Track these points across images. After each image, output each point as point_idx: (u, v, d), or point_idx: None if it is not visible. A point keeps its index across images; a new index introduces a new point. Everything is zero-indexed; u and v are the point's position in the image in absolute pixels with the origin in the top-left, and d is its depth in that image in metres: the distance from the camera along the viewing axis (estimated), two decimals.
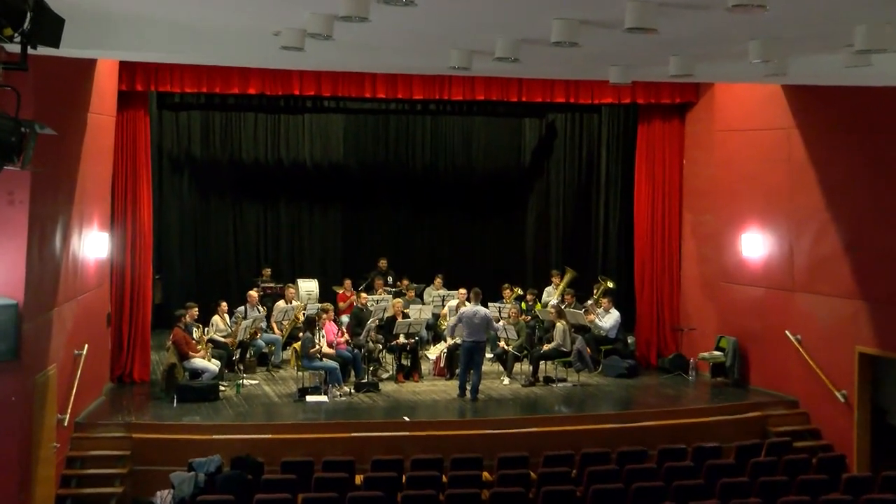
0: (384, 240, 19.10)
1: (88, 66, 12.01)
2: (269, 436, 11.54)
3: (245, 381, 13.92)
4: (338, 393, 13.32)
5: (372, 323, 14.51)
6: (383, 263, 17.60)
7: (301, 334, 14.17)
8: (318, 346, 13.33)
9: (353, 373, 14.00)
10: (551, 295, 16.91)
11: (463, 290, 14.00)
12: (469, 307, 13.39)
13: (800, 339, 13.68)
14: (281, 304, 15.51)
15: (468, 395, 13.26)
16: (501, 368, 14.89)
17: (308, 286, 17.02)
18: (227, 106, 17.78)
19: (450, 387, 13.97)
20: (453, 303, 15.28)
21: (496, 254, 19.50)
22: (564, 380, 14.56)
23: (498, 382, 14.46)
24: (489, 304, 15.89)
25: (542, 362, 14.62)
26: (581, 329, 15.19)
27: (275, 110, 18.09)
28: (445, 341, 14.89)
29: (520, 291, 16.70)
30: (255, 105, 17.79)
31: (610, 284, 16.39)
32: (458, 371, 13.85)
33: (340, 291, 16.90)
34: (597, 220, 18.59)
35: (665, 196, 16.14)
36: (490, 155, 19.46)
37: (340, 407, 12.89)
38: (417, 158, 19.23)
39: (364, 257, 18.57)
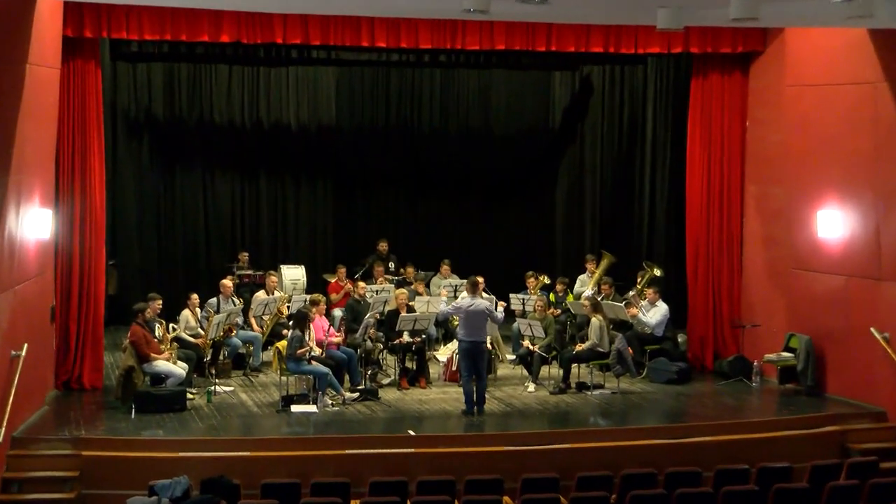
0: (385, 218, 19.15)
1: (25, 7, 11.93)
2: (247, 453, 11.54)
3: (218, 388, 13.96)
4: (329, 402, 13.34)
5: (370, 318, 14.50)
6: (383, 246, 17.62)
7: (285, 332, 14.14)
8: (306, 346, 13.29)
9: (347, 378, 14.01)
10: (585, 284, 16.91)
11: (481, 279, 13.96)
12: (467, 299, 13.35)
13: (888, 338, 13.57)
14: (261, 295, 15.52)
15: (477, 409, 13.24)
16: (525, 372, 14.88)
17: (293, 274, 17.05)
18: (194, 56, 17.76)
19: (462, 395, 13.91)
20: (466, 300, 15.17)
21: (519, 235, 19.56)
22: (601, 386, 14.58)
23: (521, 389, 14.47)
24: (510, 295, 16.07)
25: (574, 365, 14.63)
26: (621, 325, 15.19)
27: (253, 62, 18.09)
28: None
29: (547, 280, 16.72)
30: (230, 56, 17.80)
31: (656, 272, 16.38)
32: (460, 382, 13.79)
33: (332, 280, 16.92)
34: (640, 194, 18.61)
35: (724, 165, 16.06)
36: (512, 116, 19.46)
37: (332, 418, 12.93)
38: (424, 121, 19.23)
39: (361, 239, 18.64)
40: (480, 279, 13.70)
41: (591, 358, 14.46)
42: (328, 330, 13.92)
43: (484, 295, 13.91)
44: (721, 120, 16.09)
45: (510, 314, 15.41)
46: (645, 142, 18.54)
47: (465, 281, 15.37)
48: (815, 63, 14.78)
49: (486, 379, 13.56)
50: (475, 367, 13.22)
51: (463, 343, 13.26)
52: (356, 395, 13.65)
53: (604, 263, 16.95)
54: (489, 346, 14.10)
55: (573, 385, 14.55)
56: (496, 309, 13.85)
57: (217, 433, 12.21)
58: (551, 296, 16.37)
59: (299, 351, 13.29)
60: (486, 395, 13.47)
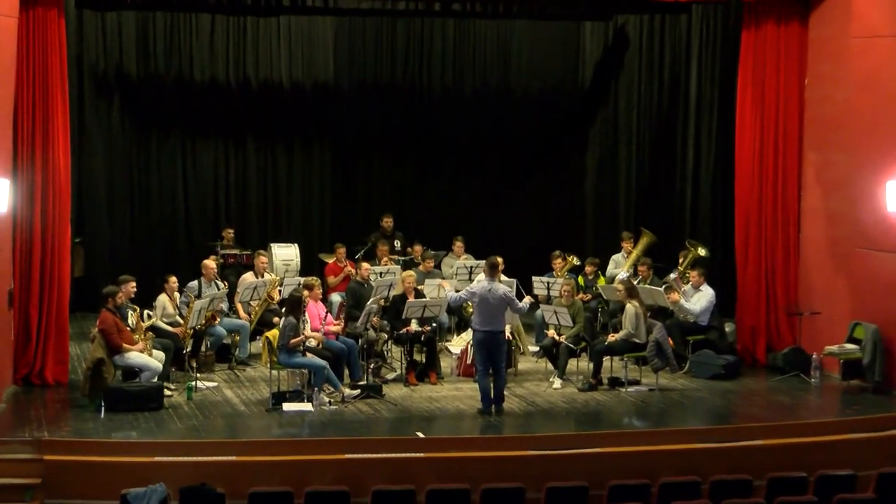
0: (390, 190, 19.21)
1: None
2: (233, 458, 11.48)
3: (199, 384, 13.95)
4: (326, 399, 13.31)
5: (373, 304, 14.46)
6: (388, 222, 17.65)
7: (277, 319, 14.13)
8: (300, 336, 13.29)
9: (347, 372, 14.02)
10: (620, 266, 16.93)
11: (500, 260, 13.95)
12: (483, 282, 13.31)
13: None
14: (248, 277, 15.56)
15: (496, 409, 13.22)
16: (550, 366, 14.88)
17: (285, 254, 17.11)
18: (172, 4, 17.68)
19: (478, 392, 13.80)
20: (482, 283, 15.17)
21: (543, 209, 19.58)
22: (637, 382, 14.59)
23: (545, 386, 14.46)
24: (534, 278, 16.09)
25: (606, 358, 14.58)
26: (661, 313, 15.20)
27: (239, 11, 18.01)
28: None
29: (576, 261, 16.71)
30: (212, 4, 17.70)
31: (701, 252, 16.34)
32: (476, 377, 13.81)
33: (330, 261, 16.94)
34: (683, 162, 18.60)
35: (779, 129, 15.98)
36: (536, 74, 19.47)
37: (330, 418, 12.91)
38: (435, 79, 19.24)
39: (362, 214, 18.74)
40: (499, 260, 13.67)
41: (626, 350, 14.41)
42: (325, 317, 13.91)
43: (503, 279, 13.82)
44: (776, 77, 15.97)
45: (533, 299, 15.32)
46: (688, 102, 18.50)
47: (481, 262, 15.52)
48: (886, 11, 14.63)
49: (506, 374, 13.53)
50: (492, 360, 13.18)
51: (478, 333, 13.22)
52: (357, 391, 13.62)
53: (641, 242, 16.94)
54: (508, 336, 14.07)
55: (605, 381, 14.53)
56: (520, 300, 13.77)
57: (198, 435, 12.17)
58: (580, 279, 16.35)
59: (292, 341, 13.25)
60: (506, 392, 13.46)
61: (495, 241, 16.87)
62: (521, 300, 13.70)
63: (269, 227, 18.64)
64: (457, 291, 13.91)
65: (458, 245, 17.16)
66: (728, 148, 16.84)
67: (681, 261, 16.30)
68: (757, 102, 16.01)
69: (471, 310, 14.37)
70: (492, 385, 13.18)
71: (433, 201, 19.31)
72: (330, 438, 12.06)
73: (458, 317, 16.10)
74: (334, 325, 14.10)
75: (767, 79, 15.98)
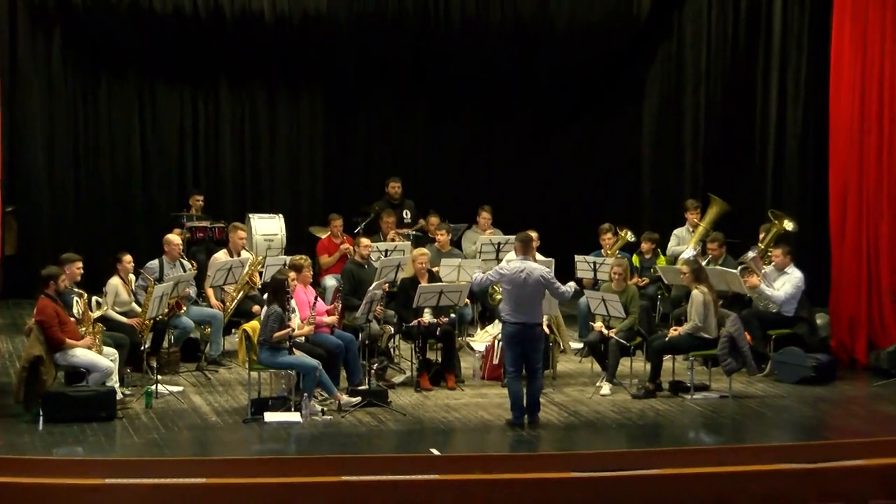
0: (397, 148, 19.31)
1: None
2: (202, 480, 11.37)
3: (161, 388, 13.96)
4: (319, 408, 13.31)
5: (377, 290, 14.42)
6: (395, 188, 17.70)
7: (257, 308, 14.13)
8: (287, 329, 13.31)
9: (344, 374, 14.03)
10: (684, 242, 16.94)
11: (535, 235, 13.95)
12: (514, 262, 13.29)
13: None
14: (222, 256, 15.56)
15: (529, 420, 13.24)
16: (596, 367, 14.90)
17: (268, 227, 17.21)
18: None
19: (507, 398, 13.73)
20: (513, 262, 15.17)
21: (588, 172, 19.65)
22: (706, 387, 14.59)
23: (591, 392, 14.47)
24: (577, 257, 16.07)
25: (667, 358, 14.57)
26: (736, 301, 15.17)
27: None
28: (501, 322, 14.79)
29: (630, 236, 16.70)
30: None
31: (787, 226, 16.32)
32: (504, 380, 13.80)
33: (323, 236, 17.02)
34: (764, 114, 18.62)
35: (885, 72, 15.90)
36: (579, 2, 19.34)
37: (323, 431, 12.88)
38: (454, 8, 19.16)
39: (363, 177, 18.89)
40: (534, 235, 13.64)
41: (692, 347, 14.35)
42: (314, 305, 13.87)
43: (539, 258, 13.78)
44: (882, 8, 15.89)
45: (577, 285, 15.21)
46: (771, 39, 18.51)
47: (511, 238, 15.34)
48: None
49: (542, 376, 13.52)
50: (526, 359, 13.18)
51: (509, 325, 13.15)
52: (357, 399, 13.64)
53: (711, 212, 16.92)
54: (546, 329, 14.04)
55: (665, 386, 14.55)
56: (562, 284, 13.67)
57: (159, 451, 12.12)
58: (635, 258, 16.34)
59: (276, 335, 13.21)
60: (542, 400, 13.46)
61: (529, 211, 16.81)
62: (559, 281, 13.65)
63: (248, 194, 18.74)
64: (483, 273, 13.87)
65: (484, 217, 17.18)
66: (821, 96, 16.87)
67: (761, 236, 16.25)
68: (857, 41, 15.91)
69: (499, 296, 14.42)
70: (524, 390, 13.20)
71: (451, 162, 19.40)
72: (323, 456, 12.03)
73: (483, 305, 16.12)
74: (328, 315, 14.12)
75: (871, 10, 15.88)
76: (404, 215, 17.40)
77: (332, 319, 14.15)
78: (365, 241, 15.65)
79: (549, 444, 12.80)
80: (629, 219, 17.65)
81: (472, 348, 15.36)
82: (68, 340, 13.27)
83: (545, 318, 13.78)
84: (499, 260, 15.61)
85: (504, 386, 13.61)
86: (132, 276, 14.68)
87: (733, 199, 17.28)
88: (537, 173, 19.53)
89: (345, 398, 13.56)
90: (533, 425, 13.14)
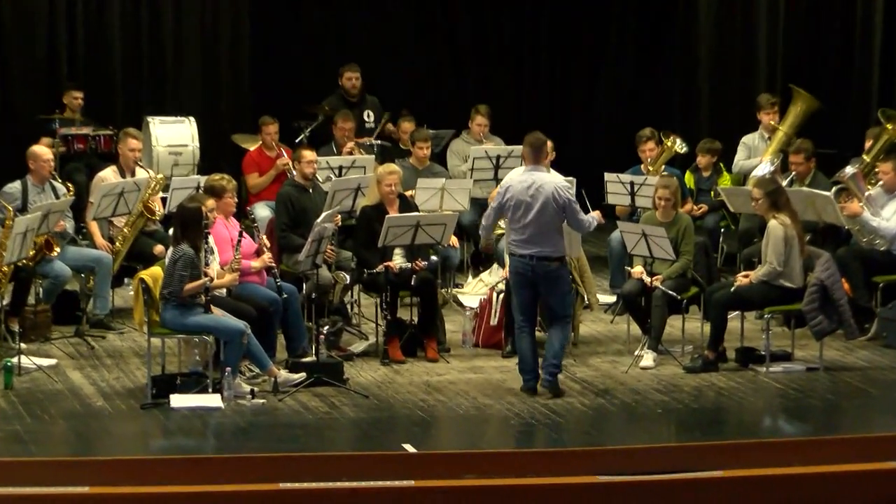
0: (353, 22, 19.43)
1: None
2: (85, 489, 11.38)
3: (26, 361, 14.03)
4: (247, 389, 13.37)
5: (327, 223, 14.34)
6: (353, 80, 17.66)
7: (159, 249, 14.31)
8: (202, 279, 13.27)
9: (282, 340, 14.23)
10: (757, 154, 16.90)
11: (549, 142, 13.94)
12: (521, 173, 13.46)
13: None
14: (109, 175, 15.51)
15: (542, 380, 13.53)
16: (635, 329, 15.07)
17: (173, 134, 17.26)
18: None
19: (511, 372, 14.10)
20: (519, 173, 15.10)
21: (623, 59, 19.89)
22: (787, 356, 14.71)
23: (627, 362, 14.60)
24: (606, 176, 16.14)
25: (733, 316, 14.64)
26: (829, 236, 15.37)
27: None
28: (503, 267, 14.90)
29: (680, 146, 16.63)
30: None
31: None
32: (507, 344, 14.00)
33: (252, 147, 17.11)
34: None
35: None
36: None
37: (254, 421, 12.96)
38: None
39: (307, 63, 19.21)
40: (548, 142, 13.67)
41: (768, 301, 14.39)
42: (239, 244, 13.73)
43: (556, 176, 13.72)
44: None
45: (606, 213, 15.16)
46: None
47: (515, 148, 15.50)
48: None
49: (569, 324, 13.63)
50: (546, 306, 13.41)
51: (515, 260, 13.33)
52: (300, 375, 13.65)
53: (794, 112, 16.85)
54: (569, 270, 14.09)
55: (731, 354, 14.63)
56: (585, 211, 13.76)
57: (25, 448, 12.13)
58: (688, 177, 16.44)
59: (188, 287, 13.15)
60: (560, 376, 13.66)
61: (541, 112, 16.62)
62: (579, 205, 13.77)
63: (144, 87, 18.89)
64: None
65: (479, 121, 17.20)
66: None
67: (867, 145, 16.24)
68: None
69: (500, 230, 14.58)
70: (544, 343, 13.41)
71: (432, 44, 19.62)
72: (253, 456, 12.05)
73: (477, 244, 16.36)
74: (257, 257, 14.03)
75: None
76: (365, 118, 17.47)
77: (264, 260, 14.02)
78: (309, 153, 15.55)
79: (569, 437, 12.82)
80: (680, 122, 17.99)
81: (460, 304, 15.53)
82: None
83: (566, 255, 13.80)
84: (498, 180, 15.48)
85: (506, 356, 13.85)
86: None
87: (825, 93, 17.30)
88: (551, 61, 19.88)
89: (283, 374, 13.58)
90: (552, 390, 13.26)
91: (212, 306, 13.29)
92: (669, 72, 20.02)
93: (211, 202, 13.70)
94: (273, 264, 14.12)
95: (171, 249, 13.36)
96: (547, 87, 19.71)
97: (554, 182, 13.25)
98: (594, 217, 13.80)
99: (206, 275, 13.24)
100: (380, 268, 14.43)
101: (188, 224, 13.31)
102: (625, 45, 20.18)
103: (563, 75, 19.92)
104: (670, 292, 14.39)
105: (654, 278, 14.42)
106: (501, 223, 14.30)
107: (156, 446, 12.47)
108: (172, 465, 11.87)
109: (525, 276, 13.23)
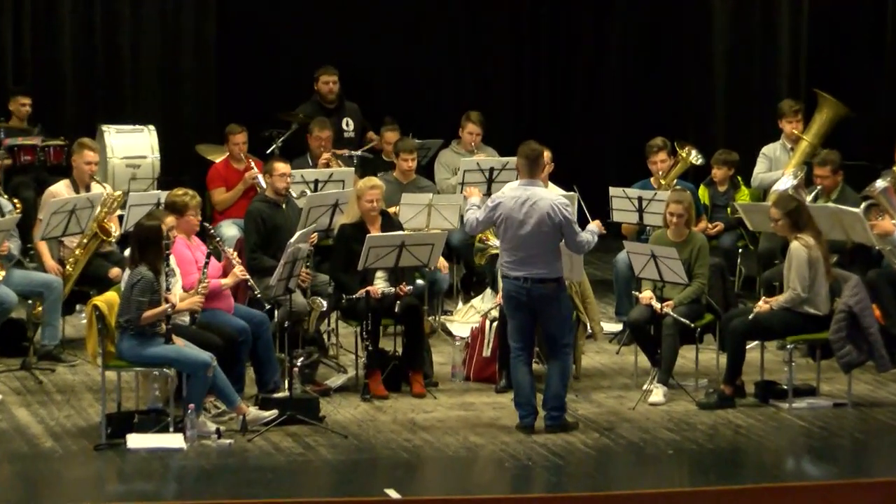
0: (332, 22, 19.55)
1: None
2: None
3: None
4: (213, 427, 13.39)
5: (301, 243, 14.28)
6: (330, 84, 17.71)
7: (115, 272, 14.34)
8: (166, 304, 13.20)
9: (251, 374, 14.28)
10: (779, 166, 16.86)
11: (547, 152, 13.94)
12: (514, 188, 13.51)
13: None
14: (61, 189, 15.51)
15: (546, 423, 13.60)
16: (644, 361, 15.13)
17: (131, 145, 17.32)
18: None
19: (505, 409, 14.19)
20: (513, 188, 15.13)
21: (630, 60, 19.93)
22: (812, 391, 14.75)
23: (635, 398, 14.63)
24: (611, 190, 16.17)
25: (752, 346, 14.69)
26: (859, 258, 15.33)
27: None
28: (495, 292, 15.02)
29: (695, 157, 16.63)
30: None
31: None
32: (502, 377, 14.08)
33: (218, 159, 17.11)
34: None
35: None
36: None
37: (219, 463, 12.96)
38: None
39: (278, 69, 19.08)
40: (545, 152, 13.66)
41: (791, 329, 14.37)
42: (206, 266, 13.71)
43: (556, 190, 13.89)
44: None
45: (611, 231, 15.34)
46: None
47: (510, 160, 15.49)
48: None
49: (569, 354, 13.62)
50: (544, 333, 13.46)
51: (508, 282, 13.32)
52: (272, 413, 13.60)
53: (819, 120, 16.79)
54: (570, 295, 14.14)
55: (750, 388, 14.70)
56: (585, 227, 13.75)
57: None
58: (703, 192, 16.41)
59: (147, 314, 13.12)
60: (568, 403, 13.62)
61: (541, 121, 16.49)
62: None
63: (100, 93, 18.88)
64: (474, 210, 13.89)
65: (471, 129, 17.21)
66: None
67: None
68: None
69: (493, 249, 14.75)
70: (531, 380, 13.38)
71: (419, 45, 19.64)
72: (219, 503, 12.03)
73: (468, 266, 16.42)
74: (225, 278, 14.03)
75: None
76: (344, 126, 17.54)
77: (235, 275, 14.02)
78: (282, 166, 15.53)
79: (570, 481, 12.83)
80: (694, 132, 18.10)
81: (450, 333, 15.64)
82: None
83: (566, 278, 13.84)
84: (490, 194, 15.51)
85: (500, 391, 13.98)
86: None
87: (854, 99, 17.23)
88: (551, 62, 19.99)
89: (253, 411, 13.55)
90: (554, 426, 13.31)
91: (173, 336, 13.22)
92: (681, 77, 20.03)
93: (172, 220, 13.69)
94: (247, 276, 14.07)
95: (127, 272, 13.34)
96: (547, 90, 19.76)
97: (550, 198, 13.28)
98: (594, 230, 13.77)
99: (166, 300, 13.15)
100: (360, 293, 14.42)
101: (147, 244, 13.25)
102: (630, 42, 20.33)
103: (563, 75, 19.98)
104: (682, 320, 14.38)
105: (664, 304, 14.42)
106: (496, 241, 14.31)
107: (111, 492, 12.43)
108: None
109: (519, 301, 13.25)
